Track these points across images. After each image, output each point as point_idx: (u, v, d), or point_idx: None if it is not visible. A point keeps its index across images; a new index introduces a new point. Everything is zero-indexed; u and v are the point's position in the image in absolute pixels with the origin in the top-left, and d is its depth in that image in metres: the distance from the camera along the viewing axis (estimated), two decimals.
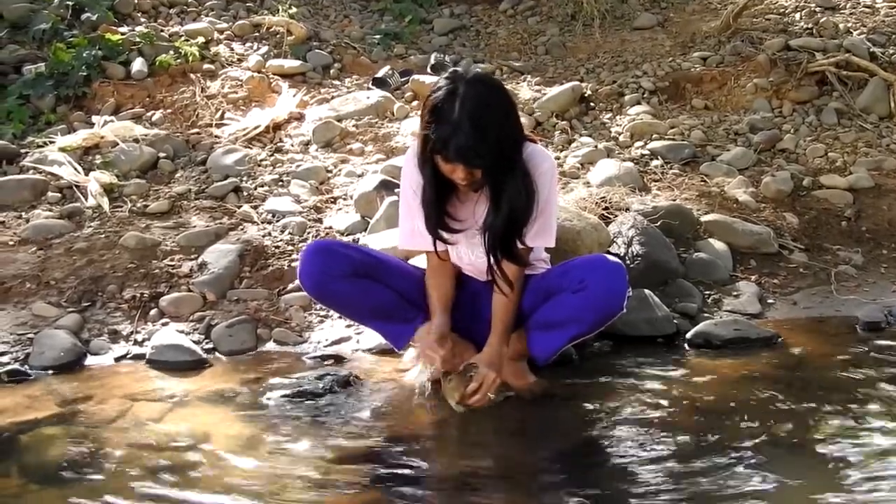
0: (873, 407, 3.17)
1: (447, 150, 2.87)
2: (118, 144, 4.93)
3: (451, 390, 3.11)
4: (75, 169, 4.73)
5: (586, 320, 3.20)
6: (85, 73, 5.49)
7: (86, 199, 4.50)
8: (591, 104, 5.60)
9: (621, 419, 3.12)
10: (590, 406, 3.21)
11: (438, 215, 3.09)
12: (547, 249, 3.39)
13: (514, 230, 3.05)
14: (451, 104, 2.86)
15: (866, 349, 3.65)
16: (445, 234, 3.13)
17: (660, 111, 5.55)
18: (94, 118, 5.24)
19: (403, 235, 3.27)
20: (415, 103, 5.49)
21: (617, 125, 5.38)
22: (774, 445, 2.91)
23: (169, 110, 5.42)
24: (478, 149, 2.85)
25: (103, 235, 4.22)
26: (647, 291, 3.79)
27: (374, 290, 3.28)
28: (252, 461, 2.83)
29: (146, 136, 5.05)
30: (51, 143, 4.99)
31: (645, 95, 5.68)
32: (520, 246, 3.10)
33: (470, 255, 3.26)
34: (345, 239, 4.19)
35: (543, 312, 3.25)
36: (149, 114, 5.38)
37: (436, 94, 2.92)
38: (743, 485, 2.69)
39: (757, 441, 2.93)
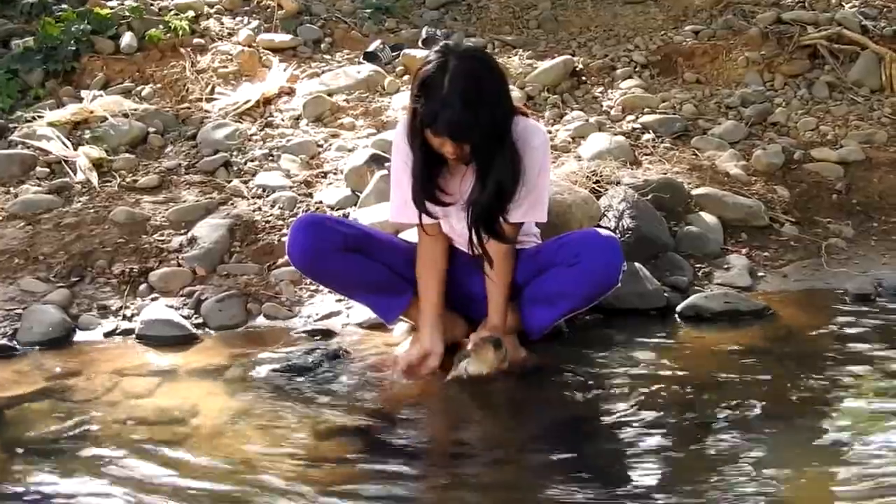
0: (864, 378, 3.18)
1: (436, 125, 2.86)
2: (107, 119, 4.90)
3: (495, 361, 3.12)
4: (64, 144, 4.70)
5: (581, 294, 3.21)
6: (74, 48, 5.45)
7: (75, 174, 4.48)
8: (583, 78, 5.57)
9: (612, 392, 3.13)
10: (580, 379, 3.20)
11: (428, 189, 3.08)
12: (538, 224, 3.38)
13: (499, 206, 3.04)
14: (441, 78, 2.85)
15: (856, 321, 3.65)
16: (435, 208, 3.11)
17: (651, 85, 5.52)
18: (83, 93, 5.20)
19: (394, 208, 3.26)
20: (406, 78, 5.46)
21: (608, 99, 5.35)
22: (765, 416, 2.92)
23: (158, 85, 5.39)
24: (467, 124, 2.84)
25: (92, 210, 4.20)
26: (637, 265, 3.78)
27: (363, 264, 3.27)
28: (241, 436, 2.83)
29: (136, 110, 5.01)
30: (39, 117, 4.95)
31: (637, 69, 5.65)
32: (506, 223, 3.09)
33: (462, 226, 3.25)
34: (335, 213, 4.18)
35: (537, 286, 3.25)
36: (138, 88, 5.34)
37: (426, 67, 2.91)
38: (734, 456, 2.70)
39: (748, 412, 2.93)
